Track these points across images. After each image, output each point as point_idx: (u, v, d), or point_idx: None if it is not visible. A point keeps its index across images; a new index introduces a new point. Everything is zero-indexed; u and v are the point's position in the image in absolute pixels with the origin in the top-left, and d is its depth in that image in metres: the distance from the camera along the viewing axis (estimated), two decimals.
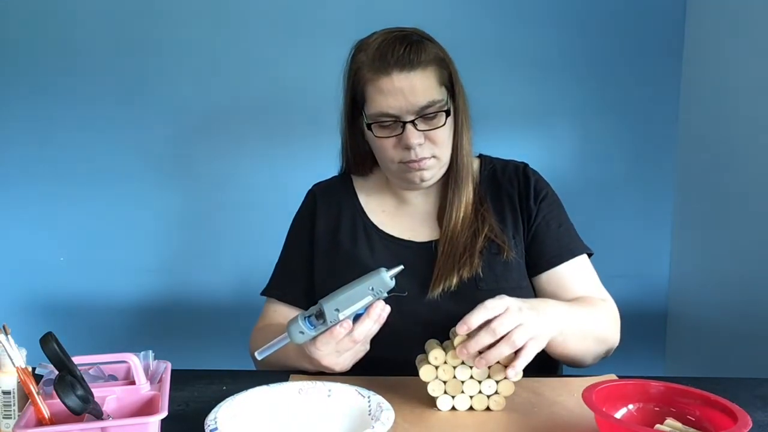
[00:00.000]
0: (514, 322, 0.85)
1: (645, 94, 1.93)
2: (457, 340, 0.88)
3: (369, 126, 1.06)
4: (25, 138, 1.87)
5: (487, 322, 0.85)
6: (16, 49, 1.84)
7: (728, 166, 1.70)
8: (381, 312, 0.88)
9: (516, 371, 0.86)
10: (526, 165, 1.20)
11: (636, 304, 1.96)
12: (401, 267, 0.88)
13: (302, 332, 0.88)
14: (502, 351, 0.85)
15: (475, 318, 0.85)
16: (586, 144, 1.94)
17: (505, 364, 0.89)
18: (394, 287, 0.88)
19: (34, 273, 1.91)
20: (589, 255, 1.16)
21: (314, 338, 0.89)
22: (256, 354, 0.91)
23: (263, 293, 1.21)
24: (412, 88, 1.03)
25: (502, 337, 0.84)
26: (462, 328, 0.85)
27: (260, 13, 1.86)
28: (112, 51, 1.85)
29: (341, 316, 0.87)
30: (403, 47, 1.03)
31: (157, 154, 1.89)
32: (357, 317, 0.88)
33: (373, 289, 0.86)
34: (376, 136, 1.06)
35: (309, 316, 0.89)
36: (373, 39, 1.08)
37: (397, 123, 1.04)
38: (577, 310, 1.01)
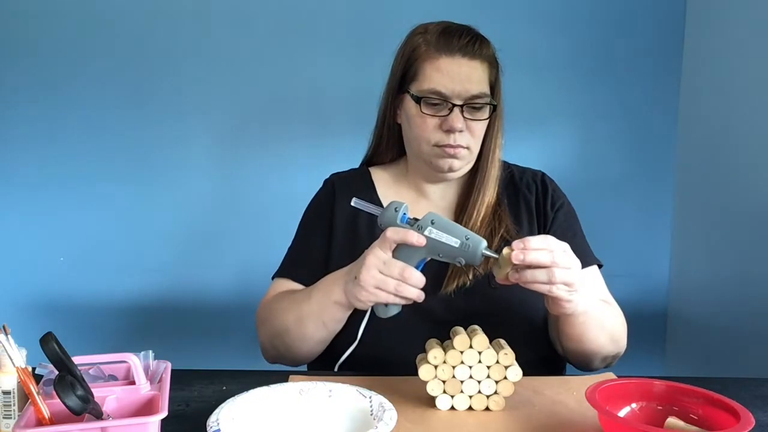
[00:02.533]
0: (569, 263, 0.88)
1: (645, 94, 1.93)
2: (506, 251, 0.89)
3: (418, 100, 1.07)
4: (26, 138, 1.87)
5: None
6: (21, 51, 1.84)
7: (728, 166, 1.70)
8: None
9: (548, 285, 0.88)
10: (544, 173, 1.23)
11: (636, 304, 1.96)
12: (497, 256, 0.90)
13: (396, 210, 0.92)
14: (538, 276, 0.87)
15: (534, 242, 0.87)
16: (586, 144, 1.94)
17: (507, 365, 0.89)
18: (473, 264, 0.90)
19: (34, 273, 1.91)
20: (599, 267, 1.17)
21: (393, 228, 0.91)
22: (353, 201, 0.96)
23: (276, 275, 1.19)
24: (469, 75, 1.06)
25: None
26: (518, 245, 0.87)
27: (264, 15, 1.86)
28: (115, 54, 1.85)
29: (428, 231, 0.90)
30: (470, 36, 1.08)
31: (157, 155, 1.89)
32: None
33: (468, 238, 0.89)
34: (421, 113, 1.08)
35: (406, 214, 0.92)
36: (434, 24, 1.11)
37: (444, 104, 1.06)
38: (601, 302, 1.04)
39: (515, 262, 0.87)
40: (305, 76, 1.88)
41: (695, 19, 1.87)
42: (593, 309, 0.99)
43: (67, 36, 1.84)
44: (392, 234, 0.91)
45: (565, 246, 0.90)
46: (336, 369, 1.10)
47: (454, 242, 0.89)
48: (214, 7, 1.86)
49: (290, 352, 1.10)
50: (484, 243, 0.89)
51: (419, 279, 0.91)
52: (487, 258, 0.96)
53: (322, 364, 1.13)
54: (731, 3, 1.70)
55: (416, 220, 0.92)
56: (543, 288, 0.88)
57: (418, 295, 0.92)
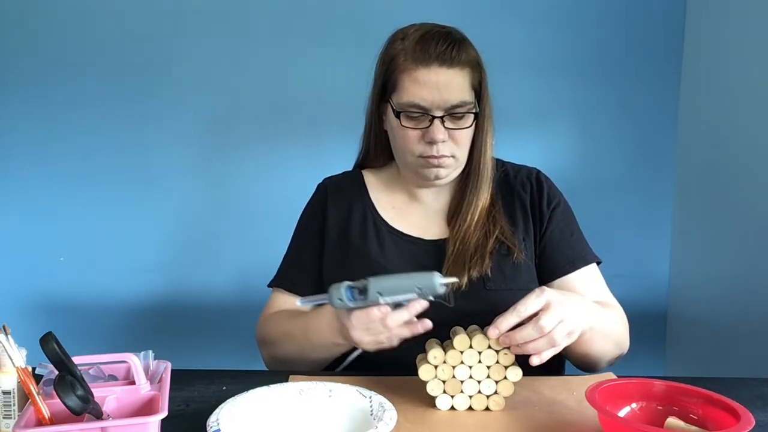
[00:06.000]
0: (557, 319, 0.86)
1: (645, 94, 1.93)
2: (492, 343, 0.89)
3: (398, 114, 1.06)
4: (25, 139, 1.87)
5: (533, 315, 0.86)
6: (19, 50, 1.84)
7: (728, 166, 1.70)
8: (420, 307, 0.90)
9: (542, 359, 0.87)
10: (539, 171, 1.21)
11: (636, 304, 1.95)
12: (455, 280, 0.90)
13: (341, 299, 0.89)
14: (539, 346, 0.86)
15: (506, 322, 0.86)
16: (586, 144, 1.94)
17: (507, 365, 0.89)
18: (441, 295, 0.89)
19: (34, 273, 1.91)
20: (598, 263, 1.17)
21: (351, 309, 0.90)
22: (298, 302, 0.95)
23: (271, 284, 1.20)
24: (447, 84, 1.03)
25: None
26: (494, 332, 0.86)
27: (263, 16, 1.86)
28: (114, 54, 1.85)
29: (381, 300, 0.88)
30: (447, 43, 1.04)
31: (157, 156, 1.89)
32: (398, 306, 0.90)
33: (420, 289, 0.87)
34: (402, 126, 1.06)
35: (353, 288, 0.90)
36: (414, 29, 1.08)
37: (424, 116, 1.05)
38: (602, 309, 1.03)
39: (502, 345, 0.88)
40: (302, 77, 1.88)
41: (695, 19, 1.87)
42: (597, 323, 0.97)
43: (67, 36, 1.84)
44: (357, 322, 0.90)
45: (545, 300, 0.87)
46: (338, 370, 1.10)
47: (410, 296, 0.88)
48: (211, 7, 1.86)
49: (296, 369, 1.10)
50: (437, 278, 0.87)
51: (399, 319, 0.89)
52: (480, 260, 0.96)
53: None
54: (731, 3, 1.70)
55: (363, 291, 0.88)
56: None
57: (413, 330, 0.91)
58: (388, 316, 0.89)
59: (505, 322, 0.86)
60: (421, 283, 0.87)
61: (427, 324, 0.91)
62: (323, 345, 1.03)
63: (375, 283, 0.88)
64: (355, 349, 1.01)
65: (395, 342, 0.93)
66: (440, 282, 0.87)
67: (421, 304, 0.90)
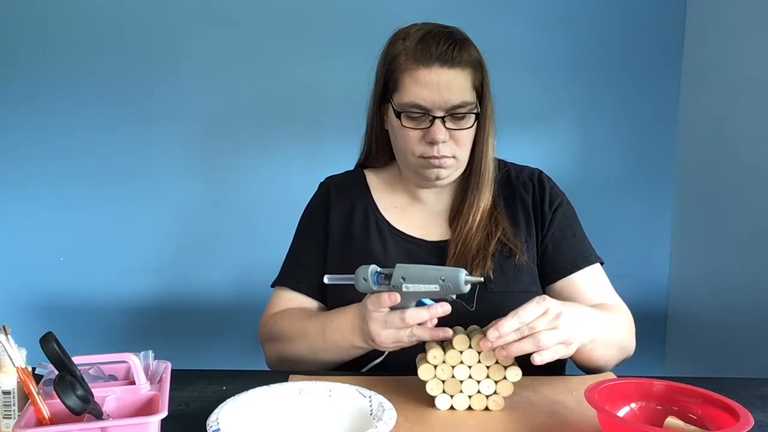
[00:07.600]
0: (546, 325, 0.85)
1: (645, 94, 1.93)
2: (482, 342, 0.87)
3: (398, 114, 1.06)
4: (25, 139, 1.87)
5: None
6: (19, 50, 1.84)
7: (728, 167, 1.71)
8: (441, 311, 0.90)
9: (543, 360, 0.85)
10: (541, 171, 1.21)
11: (636, 304, 1.93)
12: (481, 279, 0.90)
13: (366, 279, 0.90)
14: (525, 347, 0.85)
15: (508, 325, 0.84)
16: (586, 144, 1.95)
17: (506, 365, 0.89)
18: (463, 295, 0.89)
19: (34, 273, 1.91)
20: (601, 263, 1.17)
21: (371, 294, 0.92)
22: (325, 278, 0.95)
23: (275, 283, 1.19)
24: (449, 84, 1.03)
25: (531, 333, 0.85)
26: (493, 334, 0.84)
27: (263, 16, 1.87)
28: (114, 53, 1.86)
29: (404, 287, 0.88)
30: (448, 44, 1.03)
31: (157, 155, 1.89)
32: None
33: (444, 280, 0.87)
34: (403, 126, 1.06)
35: (380, 273, 0.91)
36: (416, 29, 1.07)
37: (425, 116, 1.05)
38: (605, 317, 1.02)
39: (485, 349, 0.87)
40: (303, 76, 1.88)
41: (695, 19, 1.87)
42: (600, 334, 0.97)
43: (66, 37, 1.85)
44: (371, 306, 0.92)
45: (544, 308, 0.86)
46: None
47: (434, 288, 0.88)
48: (212, 7, 1.86)
49: (301, 369, 1.10)
50: (462, 274, 0.87)
51: (417, 316, 0.89)
52: (483, 262, 0.95)
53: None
54: (731, 3, 1.70)
55: (388, 277, 0.90)
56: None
57: (433, 335, 0.90)
58: (407, 311, 0.89)
59: (506, 324, 0.84)
60: (446, 276, 0.87)
61: (449, 332, 0.90)
62: (339, 345, 1.02)
63: (400, 269, 0.89)
64: (378, 354, 1.01)
65: (414, 341, 0.92)
66: (465, 278, 0.87)
67: (443, 308, 0.90)
